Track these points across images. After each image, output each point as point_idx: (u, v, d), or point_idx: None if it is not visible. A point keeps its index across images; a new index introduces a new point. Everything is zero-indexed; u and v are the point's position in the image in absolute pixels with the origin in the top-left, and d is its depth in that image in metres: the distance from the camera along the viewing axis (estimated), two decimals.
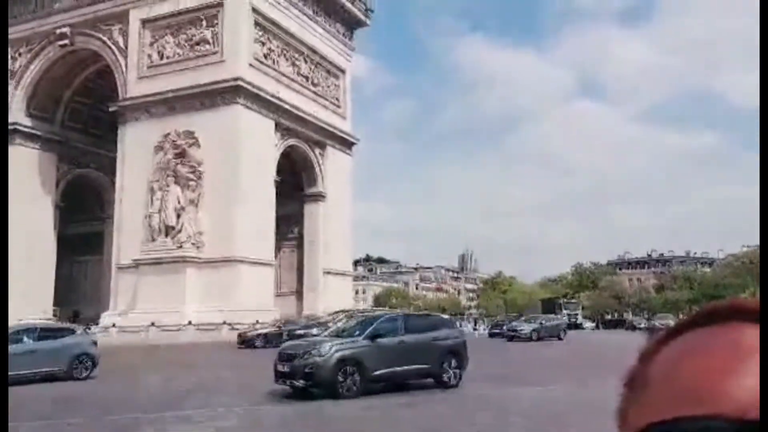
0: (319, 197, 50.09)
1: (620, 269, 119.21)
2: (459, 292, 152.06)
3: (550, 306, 67.12)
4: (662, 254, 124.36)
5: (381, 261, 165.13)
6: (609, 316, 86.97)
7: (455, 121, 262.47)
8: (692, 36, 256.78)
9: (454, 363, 13.68)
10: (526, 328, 36.46)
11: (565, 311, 64.12)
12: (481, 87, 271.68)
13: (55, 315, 46.07)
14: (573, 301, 76.15)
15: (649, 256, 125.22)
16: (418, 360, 13.16)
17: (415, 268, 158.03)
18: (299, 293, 49.62)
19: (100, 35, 45.37)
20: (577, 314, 65.71)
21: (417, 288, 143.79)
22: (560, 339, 36.74)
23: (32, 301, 44.72)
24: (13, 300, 43.60)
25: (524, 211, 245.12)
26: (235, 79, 40.92)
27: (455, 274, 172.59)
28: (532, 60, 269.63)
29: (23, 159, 47.97)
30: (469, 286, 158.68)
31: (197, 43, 42.48)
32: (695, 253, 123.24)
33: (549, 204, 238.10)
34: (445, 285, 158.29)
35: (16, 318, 39.36)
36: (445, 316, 24.46)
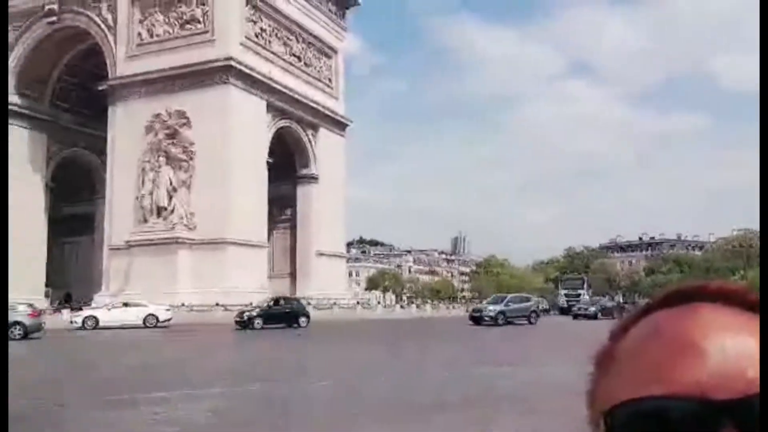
0: (312, 179, 49.85)
1: (612, 252, 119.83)
2: (452, 275, 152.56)
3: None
4: (653, 237, 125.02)
5: (374, 243, 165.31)
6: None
7: (447, 101, 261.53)
8: (684, 16, 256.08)
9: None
10: (492, 309, 32.81)
11: (562, 291, 56.05)
12: (473, 67, 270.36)
13: (46, 296, 45.88)
14: (574, 277, 64.68)
15: (641, 239, 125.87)
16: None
17: (409, 251, 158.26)
18: (293, 275, 49.60)
19: (88, 12, 44.66)
20: (579, 294, 52.42)
21: (410, 271, 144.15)
22: (530, 323, 32.91)
23: (23, 283, 44.44)
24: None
25: (516, 192, 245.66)
26: (227, 59, 40.46)
27: (448, 257, 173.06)
28: (523, 40, 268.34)
29: (13, 138, 47.23)
30: (463, 268, 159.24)
31: (187, 22, 41.90)
32: (686, 236, 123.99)
33: (540, 186, 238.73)
34: (438, 268, 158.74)
35: (10, 298, 39.19)
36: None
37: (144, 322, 28.81)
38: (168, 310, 30.87)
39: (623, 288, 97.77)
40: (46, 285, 47.13)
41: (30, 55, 47.53)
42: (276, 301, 32.11)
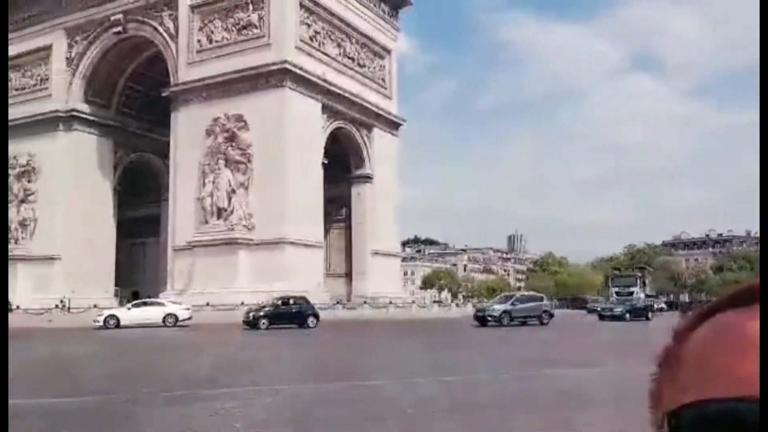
0: (366, 179, 50.21)
1: (676, 249, 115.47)
2: (508, 274, 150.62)
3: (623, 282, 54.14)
4: (721, 234, 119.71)
5: (429, 242, 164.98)
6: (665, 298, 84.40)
7: (503, 98, 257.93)
8: (748, 7, 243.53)
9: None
10: (497, 309, 30.60)
11: (612, 289, 52.08)
12: (529, 63, 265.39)
13: (116, 295, 48.07)
14: (626, 274, 60.17)
15: (707, 236, 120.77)
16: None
17: (464, 250, 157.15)
18: (349, 275, 50.10)
19: (151, 21, 46.41)
20: (632, 293, 48.13)
21: (465, 269, 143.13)
22: (542, 323, 30.71)
23: (95, 282, 46.80)
24: (78, 282, 45.90)
25: (574, 189, 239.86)
26: (282, 62, 41.22)
27: (504, 255, 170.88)
28: (581, 34, 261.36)
29: (83, 145, 49.86)
30: (519, 267, 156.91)
31: (244, 27, 42.92)
32: (756, 232, 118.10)
33: (600, 182, 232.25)
34: (493, 266, 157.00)
35: (82, 297, 41.42)
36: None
37: (163, 321, 29.31)
38: (187, 309, 31.40)
39: (689, 286, 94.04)
40: (116, 285, 49.37)
41: (97, 64, 49.81)
42: (284, 300, 30.53)
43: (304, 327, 28.51)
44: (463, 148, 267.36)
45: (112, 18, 47.52)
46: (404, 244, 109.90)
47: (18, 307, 42.42)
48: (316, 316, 30.13)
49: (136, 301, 32.09)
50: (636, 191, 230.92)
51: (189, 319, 30.61)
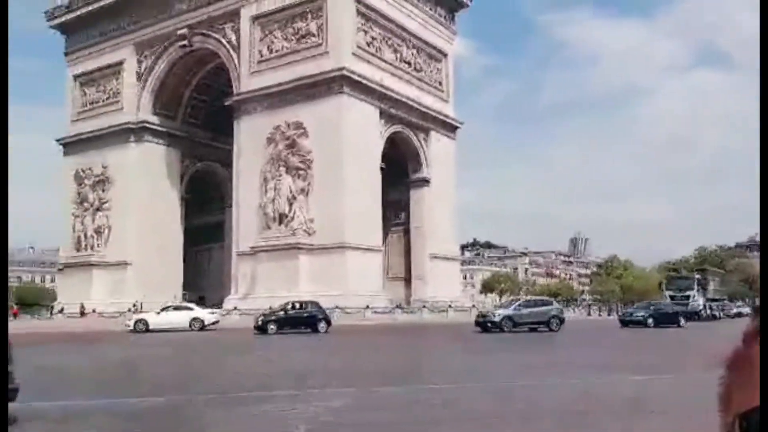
0: (424, 182, 50.21)
1: (751, 251, 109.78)
2: (570, 277, 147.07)
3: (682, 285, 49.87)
4: None
5: (488, 246, 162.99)
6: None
7: (563, 98, 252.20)
8: None
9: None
10: (499, 314, 28.36)
11: (666, 292, 48.32)
12: (588, 62, 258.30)
13: (184, 299, 49.86)
14: (683, 275, 54.80)
15: None
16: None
17: (524, 253, 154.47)
18: (408, 279, 50.17)
19: (215, 34, 48.03)
20: (688, 296, 45.27)
21: (526, 273, 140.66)
22: (551, 330, 28.07)
23: (164, 287, 48.73)
24: (149, 286, 48.00)
25: (639, 190, 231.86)
26: (340, 69, 41.79)
27: (566, 258, 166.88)
28: (642, 30, 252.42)
29: (152, 155, 52.13)
30: (582, 270, 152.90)
31: (303, 36, 43.78)
32: None
33: (666, 182, 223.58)
34: (555, 270, 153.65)
35: (153, 302, 43.22)
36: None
37: (190, 326, 29.67)
38: (213, 314, 32.48)
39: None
40: (183, 289, 51.24)
41: (164, 77, 51.95)
42: (293, 305, 29.86)
43: (315, 332, 27.78)
44: (522, 149, 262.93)
45: (179, 32, 49.49)
46: (463, 247, 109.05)
47: (94, 311, 44.61)
48: (327, 321, 29.16)
49: (164, 306, 32.56)
50: (707, 191, 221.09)
51: (216, 323, 31.23)
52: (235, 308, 38.88)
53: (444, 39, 53.38)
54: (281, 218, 42.09)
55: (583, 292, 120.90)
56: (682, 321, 33.38)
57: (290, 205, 42.05)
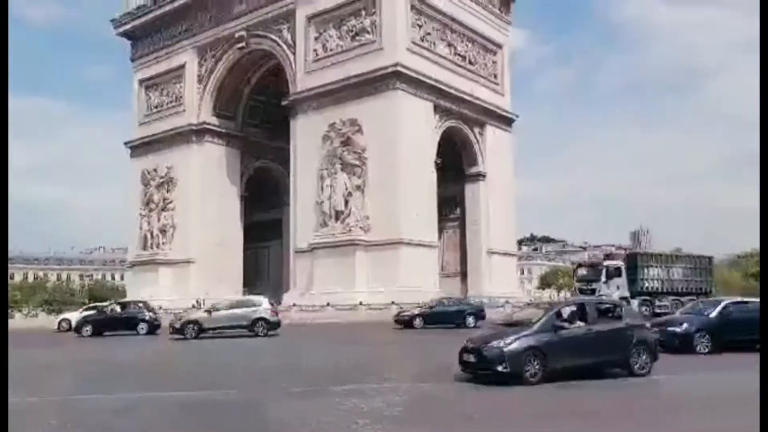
0: (479, 177, 49.72)
1: None
2: None
3: None
4: None
5: (546, 240, 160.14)
6: None
7: (623, 83, 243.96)
8: None
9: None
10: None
11: (576, 284, 37.11)
12: (652, 42, 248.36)
13: (243, 295, 51.24)
14: (590, 263, 41.12)
15: None
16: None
17: (584, 247, 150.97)
18: (463, 274, 49.86)
19: (271, 35, 48.94)
20: (594, 289, 33.50)
21: None
22: (258, 335, 24.93)
23: (226, 284, 50.30)
24: (211, 283, 49.64)
25: (706, 178, 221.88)
26: (394, 65, 41.84)
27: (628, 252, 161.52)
28: (708, 7, 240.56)
29: (213, 155, 53.73)
30: None
31: (357, 34, 44.05)
32: None
33: (738, 169, 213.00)
34: None
35: (215, 298, 44.59)
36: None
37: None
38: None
39: None
40: (244, 286, 52.66)
41: (223, 79, 53.36)
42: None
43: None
44: (581, 140, 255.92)
45: (237, 35, 50.70)
46: (520, 242, 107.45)
47: (160, 308, 46.44)
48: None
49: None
50: None
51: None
52: (294, 305, 39.66)
53: (498, 30, 52.63)
54: (337, 215, 42.55)
55: None
56: (470, 320, 28.77)
57: (346, 201, 42.45)
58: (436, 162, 44.67)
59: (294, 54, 47.09)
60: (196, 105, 53.48)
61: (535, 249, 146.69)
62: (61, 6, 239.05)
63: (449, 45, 47.33)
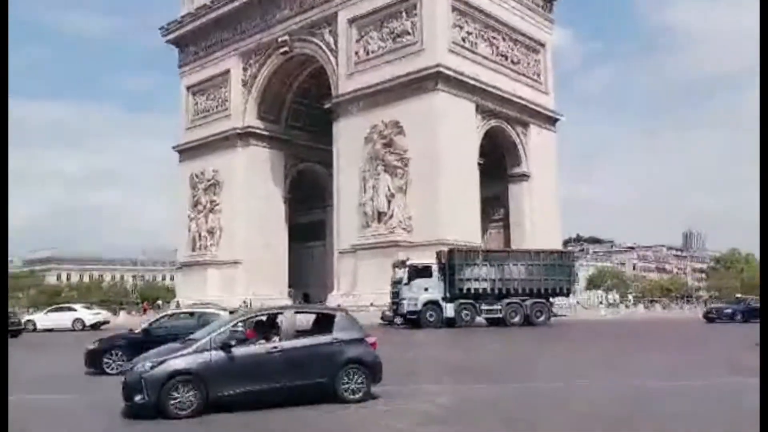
0: (523, 177, 49.19)
1: None
2: (684, 272, 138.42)
3: None
4: None
5: (593, 241, 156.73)
6: None
7: (670, 83, 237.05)
8: None
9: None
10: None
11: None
12: (698, 42, 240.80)
13: (289, 296, 52.08)
14: (397, 262, 32.82)
15: None
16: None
17: (632, 247, 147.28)
18: None
19: (314, 39, 49.60)
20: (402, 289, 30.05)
21: (635, 268, 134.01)
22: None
23: (271, 285, 51.20)
24: (257, 283, 50.62)
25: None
26: (435, 66, 41.80)
27: (679, 253, 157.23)
28: (753, 10, 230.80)
29: (258, 158, 54.78)
30: (697, 265, 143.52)
31: (399, 35, 44.19)
32: None
33: None
34: (667, 265, 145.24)
35: (261, 298, 45.42)
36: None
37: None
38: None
39: None
40: (289, 286, 53.47)
41: (267, 83, 54.35)
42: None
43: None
44: (628, 140, 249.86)
45: (279, 40, 51.57)
46: (566, 242, 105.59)
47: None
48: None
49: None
50: None
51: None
52: (339, 306, 39.91)
53: (541, 29, 51.94)
54: (380, 216, 42.75)
55: (698, 288, 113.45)
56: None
57: (388, 203, 42.61)
58: (478, 162, 44.40)
59: (336, 57, 47.58)
60: (241, 109, 54.61)
61: (582, 250, 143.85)
62: (115, 17, 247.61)
63: (491, 44, 46.99)
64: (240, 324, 9.33)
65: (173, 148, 59.87)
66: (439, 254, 31.45)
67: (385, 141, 43.07)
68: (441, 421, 8.30)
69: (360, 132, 44.25)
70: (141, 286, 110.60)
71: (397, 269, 31.77)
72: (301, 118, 57.36)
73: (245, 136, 54.30)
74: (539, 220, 48.58)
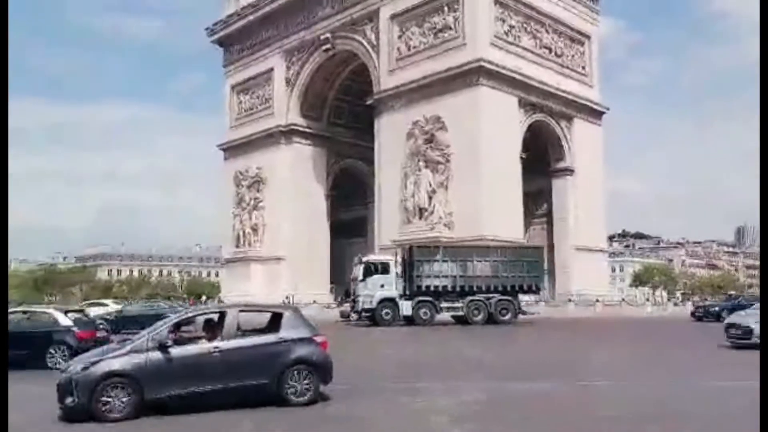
0: (566, 172, 48.37)
1: None
2: (736, 269, 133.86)
3: None
4: None
5: (639, 236, 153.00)
6: None
7: (719, 73, 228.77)
8: None
9: None
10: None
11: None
12: (748, 32, 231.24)
13: (331, 292, 52.60)
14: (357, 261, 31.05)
15: None
16: None
17: (681, 243, 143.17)
18: (551, 271, 48.67)
19: (355, 36, 49.83)
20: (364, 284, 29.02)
21: (683, 265, 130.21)
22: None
23: (313, 281, 51.85)
24: (300, 279, 51.36)
25: None
26: (477, 60, 41.46)
27: (730, 249, 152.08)
28: None
29: (301, 155, 55.42)
30: (750, 261, 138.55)
31: (440, 30, 43.99)
32: None
33: None
34: (717, 261, 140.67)
35: (303, 293, 46.04)
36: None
37: None
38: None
39: None
40: (330, 282, 54.00)
41: (309, 81, 54.88)
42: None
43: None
44: (677, 132, 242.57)
45: (322, 38, 52.00)
46: (611, 238, 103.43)
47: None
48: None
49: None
50: None
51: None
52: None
53: (586, 20, 50.89)
54: (421, 212, 42.71)
55: (751, 285, 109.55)
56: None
57: (430, 199, 42.52)
58: (521, 157, 43.87)
59: (377, 53, 47.70)
60: (284, 107, 55.32)
61: (628, 246, 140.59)
62: (161, 20, 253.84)
63: (534, 37, 46.33)
64: (179, 322, 9.02)
65: (218, 146, 61.10)
66: (400, 250, 30.57)
67: (427, 136, 42.98)
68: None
69: (401, 128, 44.27)
70: (188, 281, 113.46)
71: (354, 266, 30.56)
72: (343, 115, 57.74)
73: (288, 133, 54.98)
74: (583, 216, 47.73)
